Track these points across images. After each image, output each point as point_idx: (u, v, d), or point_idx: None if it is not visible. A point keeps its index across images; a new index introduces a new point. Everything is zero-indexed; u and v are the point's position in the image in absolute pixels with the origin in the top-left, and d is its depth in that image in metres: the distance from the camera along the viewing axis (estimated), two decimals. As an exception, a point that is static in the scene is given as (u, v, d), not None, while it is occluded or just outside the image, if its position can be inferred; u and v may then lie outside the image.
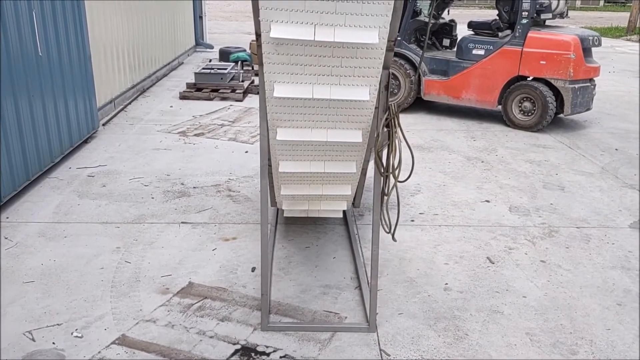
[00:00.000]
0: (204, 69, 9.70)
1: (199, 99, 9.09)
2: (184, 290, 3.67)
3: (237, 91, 9.22)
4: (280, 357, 3.06)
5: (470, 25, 8.39)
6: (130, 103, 8.65)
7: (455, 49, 8.47)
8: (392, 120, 3.03)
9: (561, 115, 7.97)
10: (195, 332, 3.24)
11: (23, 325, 3.26)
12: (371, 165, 3.51)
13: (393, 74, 8.14)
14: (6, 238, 4.27)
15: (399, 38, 8.13)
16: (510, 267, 4.11)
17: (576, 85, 7.55)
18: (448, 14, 9.19)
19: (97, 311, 3.41)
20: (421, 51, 8.27)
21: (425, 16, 8.65)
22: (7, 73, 4.67)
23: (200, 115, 8.11)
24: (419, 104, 8.72)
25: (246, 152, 6.53)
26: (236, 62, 10.67)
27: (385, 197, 3.24)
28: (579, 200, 5.42)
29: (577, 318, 3.51)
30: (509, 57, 7.74)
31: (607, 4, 43.47)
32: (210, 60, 11.50)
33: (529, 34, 7.59)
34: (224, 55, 11.39)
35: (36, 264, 3.93)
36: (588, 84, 7.78)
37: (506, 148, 7.04)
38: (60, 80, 5.72)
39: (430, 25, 8.07)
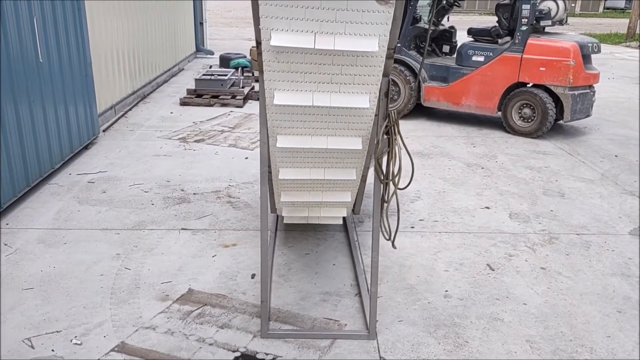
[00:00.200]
0: (204, 75, 9.72)
1: (199, 105, 9.10)
2: (184, 297, 3.67)
3: (238, 97, 9.23)
4: (280, 364, 3.06)
5: (470, 31, 8.41)
6: (130, 109, 8.66)
7: (455, 56, 8.49)
8: (392, 128, 3.03)
9: (561, 122, 7.98)
10: (195, 340, 3.23)
11: (22, 332, 3.25)
12: (371, 172, 3.52)
13: (393, 80, 8.16)
14: (6, 244, 4.27)
15: (398, 45, 8.15)
16: (510, 274, 4.11)
17: (576, 92, 7.56)
18: (448, 20, 9.22)
19: (96, 318, 3.41)
20: (421, 58, 8.29)
21: (425, 23, 8.68)
22: (7, 78, 4.68)
23: (201, 122, 8.12)
24: (419, 110, 8.73)
25: (246, 158, 6.54)
26: (236, 68, 10.70)
27: (385, 204, 3.24)
28: (579, 207, 5.42)
29: (577, 325, 3.51)
30: (508, 63, 7.76)
31: (606, 11, 43.59)
32: (210, 67, 11.53)
33: (529, 41, 7.60)
34: (225, 61, 11.42)
35: (36, 270, 3.92)
36: (588, 91, 7.79)
37: (506, 154, 7.05)
38: (60, 86, 5.74)
39: (430, 31, 8.09)
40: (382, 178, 3.15)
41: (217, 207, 5.13)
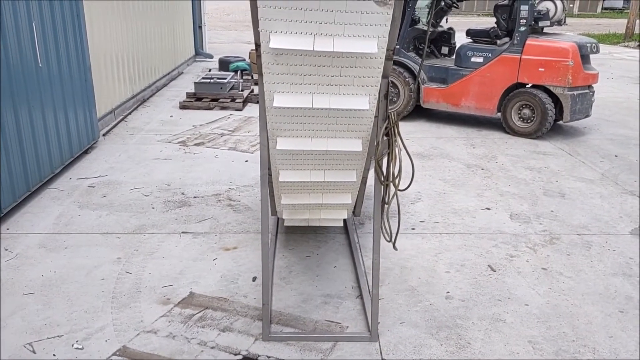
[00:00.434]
0: (203, 78, 9.73)
1: (198, 108, 9.10)
2: (185, 301, 3.66)
3: (237, 100, 9.24)
4: (282, 367, 3.05)
5: (469, 33, 8.42)
6: (130, 113, 8.66)
7: (454, 57, 8.50)
8: (392, 129, 3.03)
9: (560, 122, 7.99)
10: (197, 343, 3.23)
11: (23, 337, 3.25)
12: (371, 173, 3.52)
13: (392, 82, 8.16)
14: (6, 249, 4.27)
15: (397, 46, 8.15)
16: (511, 275, 4.10)
17: (575, 92, 7.57)
18: (446, 22, 9.23)
19: (97, 322, 3.40)
20: (420, 59, 8.30)
21: (423, 24, 8.69)
22: (7, 83, 4.68)
23: (200, 125, 8.12)
24: (419, 112, 8.74)
25: (246, 161, 6.54)
26: (236, 71, 10.70)
27: (386, 206, 3.24)
28: (579, 207, 5.42)
29: (579, 326, 3.50)
30: (507, 64, 7.77)
31: (604, 11, 43.66)
32: (209, 70, 11.53)
33: (527, 42, 7.61)
34: (224, 64, 11.43)
35: (36, 275, 3.92)
36: (587, 91, 7.79)
37: (506, 155, 7.05)
38: (60, 91, 5.74)
39: (429, 33, 8.10)
40: (382, 179, 3.15)
41: (218, 211, 5.13)
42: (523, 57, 7.62)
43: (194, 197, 5.43)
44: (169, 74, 11.58)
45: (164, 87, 11.02)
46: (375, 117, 3.06)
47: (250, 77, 10.91)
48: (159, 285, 3.84)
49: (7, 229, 4.61)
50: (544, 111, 7.56)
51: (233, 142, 7.30)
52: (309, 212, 4.00)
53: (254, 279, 3.96)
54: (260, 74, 2.80)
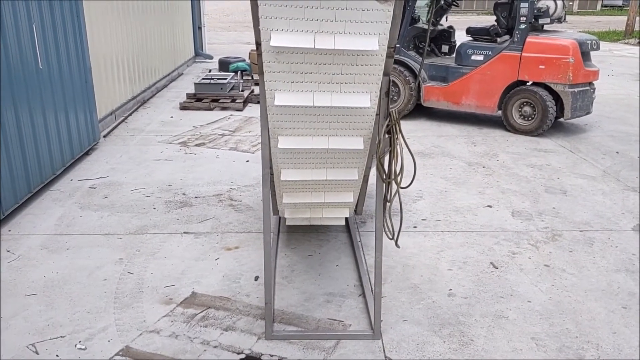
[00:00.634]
0: (203, 79, 9.73)
1: (199, 109, 9.10)
2: (188, 300, 3.66)
3: (237, 101, 9.23)
4: (285, 366, 3.05)
5: (469, 31, 8.42)
6: (130, 114, 8.66)
7: (454, 55, 8.49)
8: (394, 127, 3.03)
9: (561, 120, 7.98)
10: (199, 342, 3.22)
11: (26, 338, 3.24)
12: (373, 172, 3.51)
13: (393, 81, 8.15)
14: (8, 251, 4.27)
15: (397, 45, 8.15)
16: (514, 272, 4.10)
17: (576, 89, 7.56)
18: (446, 20, 9.22)
19: (100, 323, 3.40)
20: (420, 58, 8.29)
21: (423, 23, 8.68)
22: (7, 85, 4.68)
23: (201, 126, 8.12)
24: (419, 111, 8.73)
25: (247, 161, 6.53)
26: (236, 72, 10.70)
27: (388, 204, 3.24)
28: (581, 203, 5.41)
29: (582, 322, 3.50)
30: (508, 62, 7.76)
31: (604, 8, 43.62)
32: (209, 71, 11.53)
33: (528, 39, 7.60)
34: (224, 65, 11.43)
35: (39, 276, 3.92)
36: (587, 88, 7.79)
37: (507, 153, 7.04)
38: (60, 93, 5.74)
39: (429, 31, 8.09)
40: (384, 177, 3.15)
41: (219, 211, 5.12)
42: (523, 54, 7.61)
43: (196, 197, 5.43)
44: (169, 75, 11.58)
45: (164, 88, 11.02)
46: (376, 114, 3.06)
47: (250, 78, 10.91)
48: (161, 285, 3.83)
49: (9, 230, 4.61)
50: (545, 108, 7.55)
51: (234, 142, 7.30)
52: (311, 211, 4.00)
53: (256, 278, 3.96)
54: (261, 73, 2.80)
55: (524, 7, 7.57)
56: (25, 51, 4.99)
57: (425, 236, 4.68)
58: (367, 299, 3.69)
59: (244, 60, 11.53)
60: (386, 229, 3.32)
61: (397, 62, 8.23)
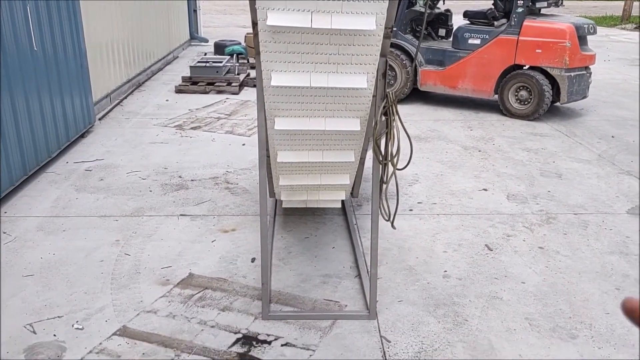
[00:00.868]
0: (199, 62, 9.67)
1: (194, 92, 9.06)
2: (185, 281, 3.68)
3: (233, 84, 9.20)
4: (282, 345, 3.08)
5: (466, 14, 8.37)
6: (126, 97, 8.62)
7: (451, 39, 8.46)
8: (390, 108, 3.02)
9: (557, 104, 7.98)
10: (197, 322, 3.25)
11: (24, 318, 3.26)
12: (369, 154, 3.52)
13: (389, 65, 8.13)
14: (5, 232, 4.27)
15: (394, 28, 8.11)
16: (508, 254, 4.13)
17: (572, 74, 7.55)
18: (443, 3, 9.17)
19: (97, 303, 3.41)
20: (417, 41, 8.26)
21: (420, 6, 8.63)
22: (2, 67, 4.64)
23: (197, 109, 8.09)
24: (416, 95, 8.72)
25: (243, 144, 6.52)
26: (231, 55, 10.63)
27: (384, 185, 3.25)
28: (576, 187, 5.44)
29: (576, 303, 3.53)
30: (504, 46, 7.74)
31: (601, -7, 43.37)
32: (205, 54, 11.45)
33: (525, 23, 7.57)
34: (219, 48, 11.35)
35: (35, 257, 3.93)
36: (584, 72, 7.78)
37: (503, 137, 7.05)
38: (55, 75, 5.70)
39: (426, 15, 8.05)
40: (380, 159, 3.15)
41: (216, 193, 5.13)
42: (520, 38, 7.59)
43: (192, 180, 5.43)
44: (164, 58, 11.51)
45: (160, 71, 10.95)
46: (373, 96, 3.05)
47: (246, 61, 10.84)
48: (158, 267, 3.85)
49: (5, 212, 4.61)
50: (541, 93, 7.55)
51: (230, 125, 7.28)
52: (307, 193, 4.01)
53: (253, 260, 3.98)
54: (258, 53, 2.79)
55: (521, -9, 7.53)
56: (19, 33, 4.95)
57: (421, 219, 4.70)
58: (362, 280, 3.71)
59: (240, 44, 11.46)
60: (382, 211, 3.33)
61: (393, 45, 8.18)
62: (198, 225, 4.48)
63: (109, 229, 4.37)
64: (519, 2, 7.57)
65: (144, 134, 6.84)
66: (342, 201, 4.55)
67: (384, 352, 3.04)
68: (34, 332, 3.13)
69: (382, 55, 2.88)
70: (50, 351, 2.98)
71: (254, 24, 2.68)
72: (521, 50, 7.62)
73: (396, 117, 3.02)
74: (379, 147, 3.12)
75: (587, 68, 7.86)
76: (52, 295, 3.49)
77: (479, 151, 6.47)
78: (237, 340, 3.10)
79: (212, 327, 3.21)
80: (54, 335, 3.12)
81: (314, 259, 4.02)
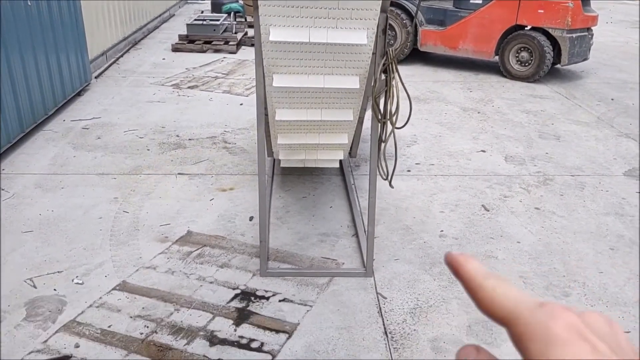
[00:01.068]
0: (195, 20, 9.52)
1: (191, 51, 8.95)
2: (183, 239, 3.71)
3: (231, 43, 9.07)
4: (279, 300, 3.12)
5: (468, -27, 8.21)
6: (122, 55, 8.51)
7: (452, -2, 8.33)
8: (390, 65, 2.99)
9: (558, 66, 7.91)
10: (195, 278, 3.28)
11: (23, 273, 3.29)
12: (368, 114, 3.50)
13: (389, 24, 8.02)
14: (3, 189, 4.27)
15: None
16: (505, 215, 4.15)
17: (574, 35, 7.46)
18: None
19: (96, 259, 3.44)
20: (417, 0, 8.12)
21: (422, -36, 8.46)
22: (-5, 22, 4.57)
23: (194, 68, 8.00)
24: (415, 56, 8.62)
25: (241, 104, 6.48)
26: (229, 13, 10.46)
27: (383, 144, 3.24)
28: (574, 149, 5.44)
29: (570, 262, 3.58)
30: (506, 6, 7.62)
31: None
32: (202, 12, 11.27)
33: (528, -18, 7.44)
34: (216, 6, 11.16)
35: (34, 214, 3.94)
36: (586, 34, 7.69)
37: (502, 99, 7.01)
38: (50, 32, 5.61)
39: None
40: (379, 117, 3.13)
41: (213, 153, 5.12)
42: (522, -2, 7.47)
43: (189, 139, 5.41)
44: (160, 15, 11.31)
45: (156, 29, 10.79)
46: (373, 53, 3.02)
47: (243, 20, 10.68)
48: (156, 224, 3.87)
49: (3, 169, 4.60)
50: (542, 54, 7.47)
51: (227, 85, 7.21)
52: (306, 153, 4.00)
53: (251, 218, 4.00)
54: (256, 8, 2.73)
55: (525, -51, 7.37)
56: (12, -14, 4.84)
57: (419, 180, 4.71)
58: (360, 239, 3.75)
59: (237, 1, 11.25)
60: (380, 170, 3.33)
61: (394, 4, 8.05)
62: (196, 184, 4.49)
63: (107, 187, 4.37)
64: (522, -40, 7.41)
65: (140, 92, 6.78)
66: (340, 161, 4.55)
67: (380, 308, 3.09)
68: (34, 287, 3.17)
69: (383, 11, 2.83)
70: (50, 305, 3.03)
71: (253, -23, 2.63)
72: (523, 11, 7.51)
73: (396, 75, 2.99)
74: (378, 106, 3.10)
75: (589, 29, 7.76)
76: (52, 251, 3.51)
77: (478, 113, 6.44)
78: (236, 295, 3.15)
79: (211, 283, 3.25)
80: (54, 289, 3.15)
81: (312, 218, 4.04)
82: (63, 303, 3.05)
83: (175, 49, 8.98)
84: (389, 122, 3.12)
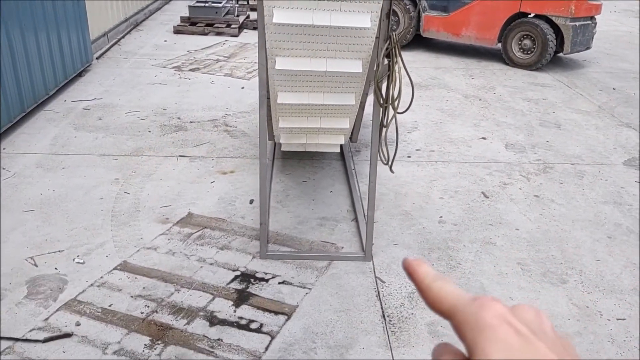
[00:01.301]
0: (198, 2, 9.45)
1: (193, 33, 8.90)
2: (184, 220, 3.73)
3: (233, 26, 9.03)
4: (279, 283, 3.15)
5: (473, -41, 8.15)
6: (123, 37, 8.47)
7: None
8: (393, 50, 2.99)
9: (560, 54, 7.89)
10: (196, 259, 3.31)
11: (25, 251, 3.31)
12: (369, 100, 3.50)
13: (392, 9, 7.97)
14: (4, 168, 4.28)
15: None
16: (504, 202, 4.17)
17: (577, 23, 7.43)
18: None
19: (97, 239, 3.46)
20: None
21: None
22: (-3, 1, 4.54)
23: (195, 50, 7.97)
24: (418, 42, 8.58)
25: (242, 88, 6.46)
26: (231, -4, 10.38)
27: (384, 129, 3.24)
28: (574, 137, 5.44)
29: (567, 250, 3.60)
30: (510, -7, 7.58)
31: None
32: (204, -6, 11.18)
33: (532, -31, 7.39)
34: (219, -11, 11.07)
35: (35, 193, 3.95)
36: (589, 22, 7.66)
37: (504, 86, 7.00)
38: (52, 11, 5.58)
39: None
40: (381, 102, 3.14)
41: (215, 136, 5.12)
42: (527, -15, 7.43)
43: (190, 122, 5.41)
44: (162, -3, 11.24)
45: (158, 10, 10.73)
46: (376, 37, 3.01)
47: (246, 2, 10.61)
48: (157, 206, 3.89)
49: (4, 148, 4.61)
50: (545, 42, 7.44)
51: (229, 68, 7.19)
52: (307, 137, 4.00)
53: (251, 201, 4.01)
54: (260, -11, 2.73)
55: None
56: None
57: (419, 166, 4.72)
58: (359, 224, 3.77)
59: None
60: (381, 155, 3.34)
61: (397, -11, 8.01)
62: (197, 167, 4.50)
63: (108, 168, 4.38)
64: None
65: (142, 74, 6.76)
66: (341, 146, 4.56)
67: (378, 292, 3.12)
68: (35, 265, 3.19)
69: (387, -5, 2.82)
70: (52, 283, 3.05)
71: (257, -41, 2.62)
72: (527, -2, 7.47)
73: (399, 60, 2.99)
74: (380, 90, 3.10)
75: (592, 18, 7.73)
76: (53, 230, 3.53)
77: (480, 100, 6.44)
78: (236, 277, 3.17)
79: (211, 264, 3.28)
80: (55, 268, 3.18)
81: (312, 202, 4.06)
82: (64, 282, 3.07)
83: (177, 31, 8.94)
84: (390, 107, 3.13)
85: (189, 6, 9.32)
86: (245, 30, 9.32)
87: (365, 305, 3.01)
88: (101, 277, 3.11)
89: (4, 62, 4.67)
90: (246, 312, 2.91)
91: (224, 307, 2.93)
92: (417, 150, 5.02)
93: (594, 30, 7.84)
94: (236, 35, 8.91)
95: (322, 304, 3.00)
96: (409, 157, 4.87)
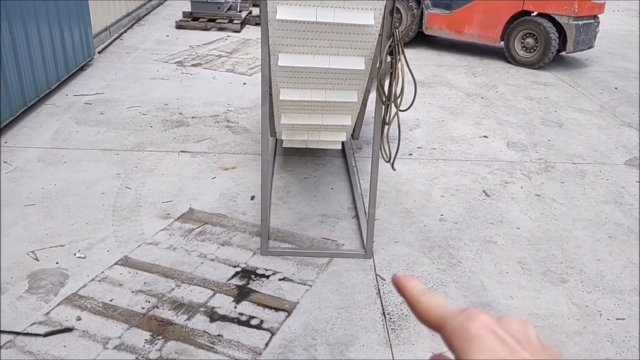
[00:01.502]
0: (200, -3, 9.43)
1: (195, 28, 8.89)
2: (185, 216, 3.73)
3: (235, 22, 9.01)
4: (279, 279, 3.15)
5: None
6: (125, 31, 8.46)
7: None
8: (396, 47, 2.99)
9: (563, 53, 7.87)
10: (197, 255, 3.31)
11: (26, 246, 3.32)
12: (372, 97, 3.50)
13: (395, 6, 7.96)
14: (5, 162, 4.28)
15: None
16: (505, 200, 4.17)
17: (580, 22, 7.42)
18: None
19: (99, 234, 3.47)
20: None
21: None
22: (0, -6, 4.54)
23: (197, 46, 7.96)
24: (420, 40, 8.57)
25: (244, 84, 6.46)
26: (234, -9, 10.36)
27: (386, 127, 3.24)
28: (576, 137, 5.44)
29: (568, 249, 3.60)
30: (514, -9, 7.56)
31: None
32: (206, -11, 11.16)
33: (536, -33, 7.38)
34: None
35: (36, 188, 3.96)
36: (592, 21, 7.64)
37: (506, 85, 6.99)
38: (54, 6, 5.57)
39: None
40: (384, 99, 3.14)
41: (216, 131, 5.12)
42: (530, -17, 7.41)
43: (192, 117, 5.41)
44: (164, -8, 11.22)
45: (160, 5, 10.71)
46: (379, 35, 3.01)
47: (248, -2, 10.59)
48: (158, 201, 3.89)
49: (5, 142, 4.61)
50: (548, 40, 7.43)
51: (231, 64, 7.19)
52: (308, 133, 4.00)
53: (253, 197, 4.02)
54: (263, -14, 2.72)
55: None
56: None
57: (420, 163, 4.72)
58: (360, 221, 3.77)
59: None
60: (383, 152, 3.34)
61: (400, -14, 8.00)
62: (198, 162, 4.50)
63: (109, 163, 4.38)
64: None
65: (144, 69, 6.76)
66: (343, 143, 4.55)
67: (379, 290, 3.13)
68: (37, 259, 3.20)
69: (390, -8, 2.82)
70: (53, 278, 3.06)
71: (261, -45, 2.61)
72: (530, -4, 7.45)
73: (402, 57, 2.98)
74: (382, 88, 3.10)
75: (595, 17, 7.72)
76: (54, 224, 3.54)
77: (482, 98, 6.43)
78: (236, 273, 3.18)
79: (212, 260, 3.28)
80: (57, 262, 3.18)
81: (313, 199, 4.06)
82: (65, 276, 3.08)
83: (179, 26, 8.93)
84: (393, 104, 3.13)
85: (191, 1, 9.29)
86: (247, 26, 9.31)
87: (365, 303, 3.02)
88: (102, 272, 3.12)
89: (6, 55, 4.67)
90: (247, 308, 2.91)
91: (224, 303, 2.93)
92: (418, 148, 5.02)
93: (597, 29, 7.83)
94: (238, 31, 8.90)
95: (323, 301, 3.01)
96: (410, 154, 4.87)
